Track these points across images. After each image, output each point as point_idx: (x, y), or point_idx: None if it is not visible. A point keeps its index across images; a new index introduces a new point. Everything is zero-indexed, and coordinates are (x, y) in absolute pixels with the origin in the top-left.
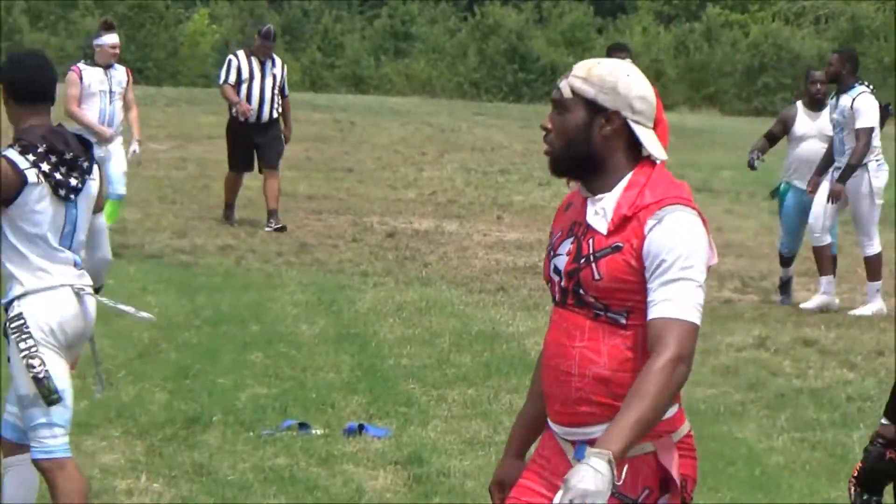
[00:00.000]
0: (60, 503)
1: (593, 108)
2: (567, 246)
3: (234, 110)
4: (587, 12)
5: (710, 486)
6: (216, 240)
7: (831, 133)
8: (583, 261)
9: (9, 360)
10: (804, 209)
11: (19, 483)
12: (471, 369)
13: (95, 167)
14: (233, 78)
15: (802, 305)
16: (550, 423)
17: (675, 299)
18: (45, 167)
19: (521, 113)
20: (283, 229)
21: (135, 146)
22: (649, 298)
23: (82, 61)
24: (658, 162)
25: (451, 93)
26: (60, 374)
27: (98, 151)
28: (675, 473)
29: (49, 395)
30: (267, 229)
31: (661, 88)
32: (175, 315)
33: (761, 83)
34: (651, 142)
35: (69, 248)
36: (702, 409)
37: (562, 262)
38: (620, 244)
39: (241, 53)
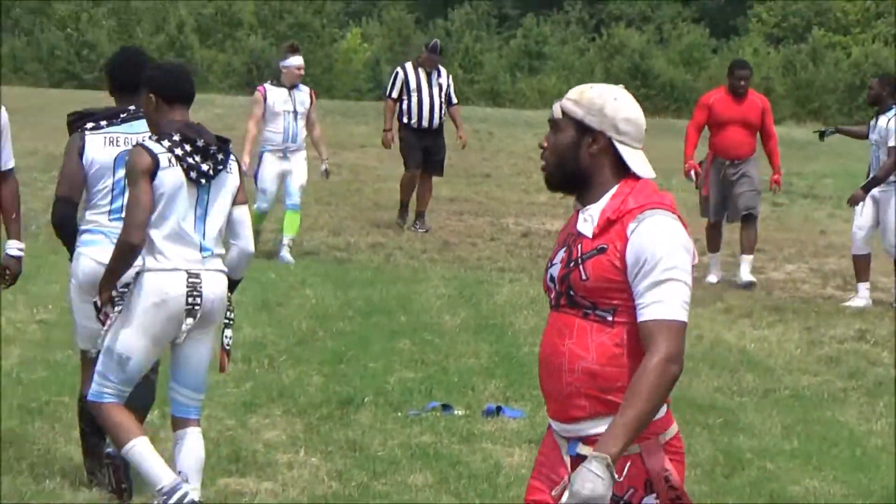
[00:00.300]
0: (110, 439)
1: (582, 128)
2: (560, 255)
3: (404, 118)
4: (703, 34)
5: (815, 465)
6: (367, 238)
7: None
8: (572, 264)
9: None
10: None
11: (189, 452)
12: None
13: (233, 163)
14: (397, 92)
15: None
16: (549, 420)
17: (663, 300)
18: (178, 152)
19: None
20: (427, 231)
21: (325, 166)
22: (638, 301)
23: (268, 82)
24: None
25: None
26: (133, 344)
27: (283, 165)
28: (656, 475)
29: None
30: (413, 229)
31: (770, 104)
32: (330, 306)
33: (861, 99)
34: (635, 160)
35: (202, 235)
36: (807, 395)
37: (556, 270)
38: (605, 246)
39: (408, 66)
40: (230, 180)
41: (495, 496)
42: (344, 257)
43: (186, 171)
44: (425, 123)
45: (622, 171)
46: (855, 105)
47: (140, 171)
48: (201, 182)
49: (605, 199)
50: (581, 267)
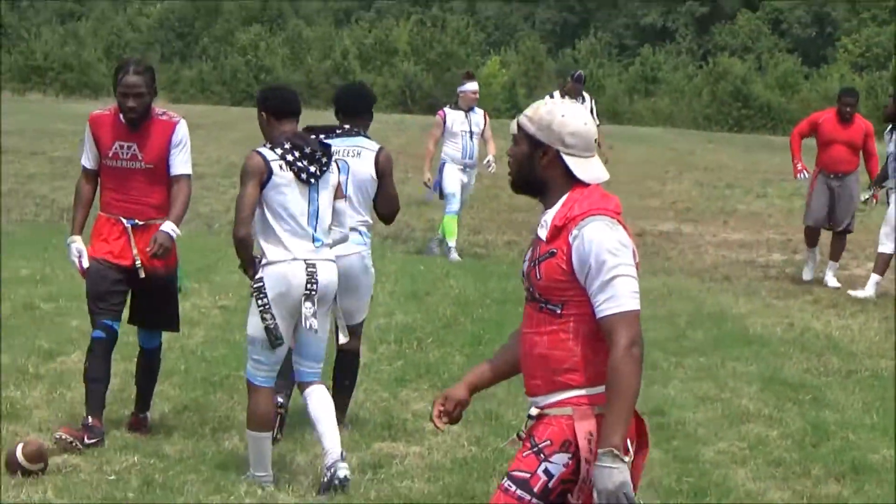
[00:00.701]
0: (246, 417)
1: (534, 142)
2: (529, 254)
3: None
4: (796, 63)
5: (891, 436)
6: (503, 237)
7: None
8: (532, 264)
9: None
10: None
11: (318, 403)
12: (702, 342)
13: (334, 163)
14: None
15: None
16: None
17: (614, 296)
18: (289, 158)
19: (743, 141)
20: None
21: (490, 158)
22: (593, 300)
23: (448, 106)
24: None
25: (688, 124)
26: (282, 328)
27: (462, 178)
28: (582, 436)
29: (274, 341)
30: None
31: None
32: (471, 295)
33: None
34: (582, 169)
35: (314, 228)
36: (885, 376)
37: (525, 267)
38: (554, 250)
39: (556, 94)
40: (332, 178)
41: None
42: (483, 253)
43: (297, 174)
44: None
45: (573, 178)
46: None
47: (251, 173)
48: (311, 182)
49: (558, 206)
50: (537, 267)
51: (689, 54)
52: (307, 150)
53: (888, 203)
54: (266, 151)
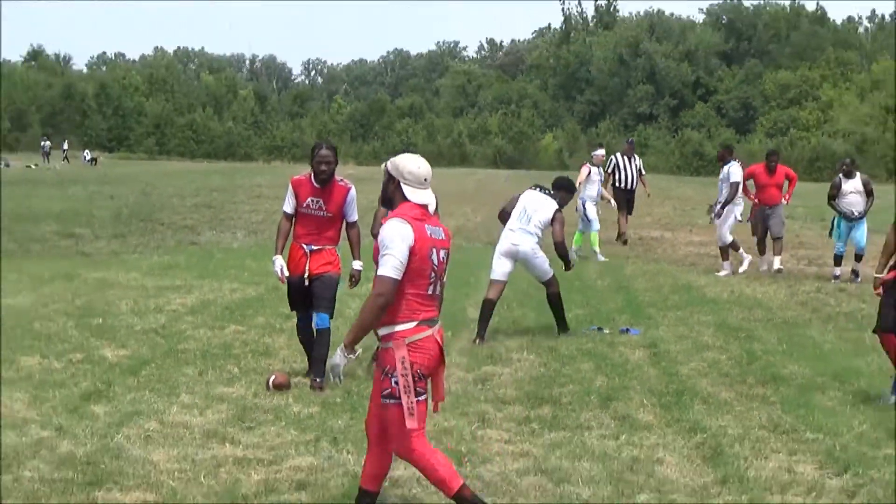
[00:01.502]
0: None
1: (390, 176)
2: None
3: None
4: (731, 133)
5: None
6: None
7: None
8: None
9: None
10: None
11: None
12: (678, 302)
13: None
14: (610, 169)
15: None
16: None
17: (381, 265)
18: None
19: (700, 181)
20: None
21: (610, 198)
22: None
23: (587, 164)
24: (418, 203)
25: (667, 172)
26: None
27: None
28: (398, 360)
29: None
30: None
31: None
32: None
33: None
34: (412, 194)
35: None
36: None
37: None
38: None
39: (618, 155)
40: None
41: (625, 374)
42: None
43: None
44: (626, 185)
45: (405, 198)
46: None
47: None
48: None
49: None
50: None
51: (667, 129)
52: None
53: (714, 214)
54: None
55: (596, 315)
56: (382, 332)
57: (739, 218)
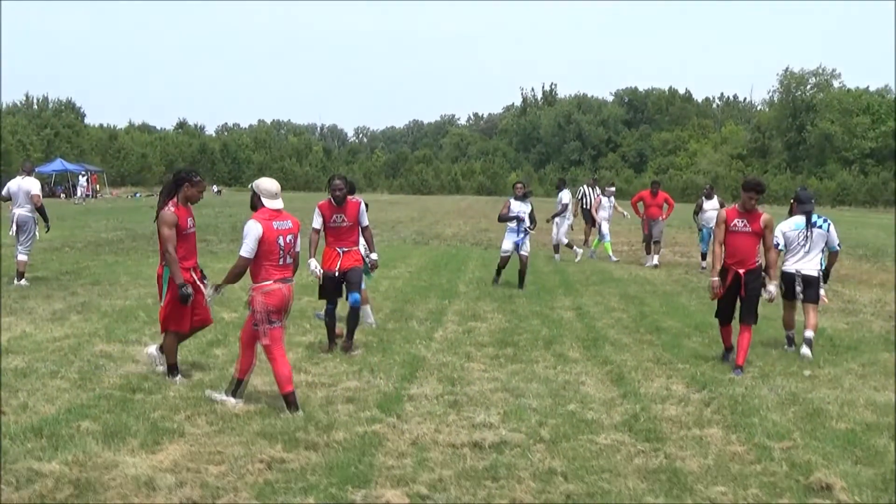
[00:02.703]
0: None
1: (255, 192)
2: None
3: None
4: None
5: None
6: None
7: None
8: None
9: None
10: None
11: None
12: (596, 280)
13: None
14: (579, 196)
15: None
16: None
17: (240, 249)
18: None
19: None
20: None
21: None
22: None
23: (601, 196)
24: (273, 208)
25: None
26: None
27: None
28: (258, 304)
29: None
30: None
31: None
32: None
33: None
34: (266, 202)
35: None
36: None
37: None
38: None
39: (584, 186)
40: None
41: (560, 327)
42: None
43: None
44: (590, 207)
45: (263, 205)
46: None
47: None
48: None
49: None
50: None
51: (589, 171)
52: None
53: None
54: None
55: (543, 288)
56: (253, 286)
57: (571, 225)
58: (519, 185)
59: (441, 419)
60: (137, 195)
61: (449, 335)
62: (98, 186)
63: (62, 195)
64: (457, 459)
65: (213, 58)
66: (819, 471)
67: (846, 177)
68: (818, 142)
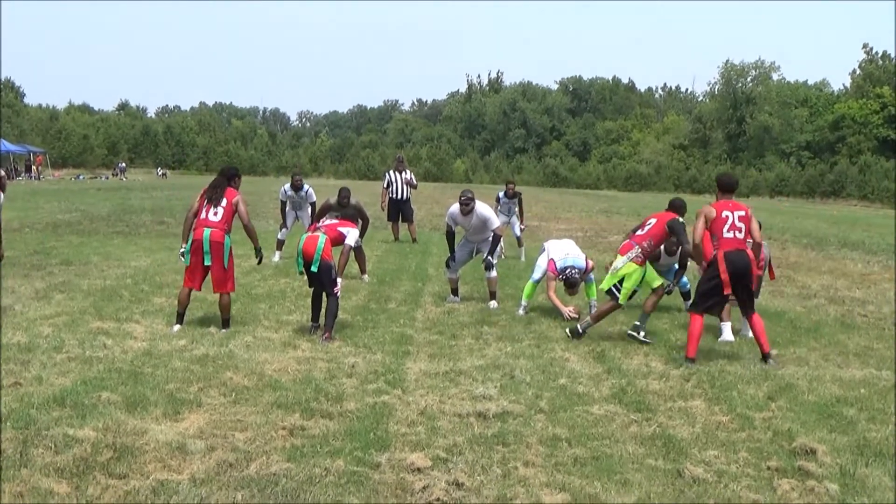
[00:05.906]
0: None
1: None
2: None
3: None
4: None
5: None
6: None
7: None
8: None
9: None
10: None
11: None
12: None
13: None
14: (385, 184)
15: None
16: None
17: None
18: None
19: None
20: None
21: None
22: None
23: (390, 171)
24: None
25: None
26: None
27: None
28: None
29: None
30: None
31: None
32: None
33: None
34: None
35: None
36: None
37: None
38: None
39: (391, 171)
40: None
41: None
42: None
43: None
44: (398, 196)
45: None
46: None
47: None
48: None
49: None
50: None
51: (534, 158)
52: None
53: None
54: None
55: (511, 272)
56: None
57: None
58: (511, 185)
59: (443, 391)
60: (81, 177)
61: (430, 316)
62: (41, 168)
63: (12, 177)
64: (465, 427)
65: (152, 37)
66: (801, 437)
67: (784, 168)
68: (757, 133)
